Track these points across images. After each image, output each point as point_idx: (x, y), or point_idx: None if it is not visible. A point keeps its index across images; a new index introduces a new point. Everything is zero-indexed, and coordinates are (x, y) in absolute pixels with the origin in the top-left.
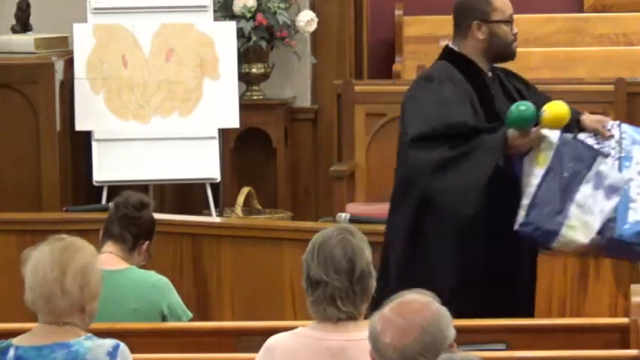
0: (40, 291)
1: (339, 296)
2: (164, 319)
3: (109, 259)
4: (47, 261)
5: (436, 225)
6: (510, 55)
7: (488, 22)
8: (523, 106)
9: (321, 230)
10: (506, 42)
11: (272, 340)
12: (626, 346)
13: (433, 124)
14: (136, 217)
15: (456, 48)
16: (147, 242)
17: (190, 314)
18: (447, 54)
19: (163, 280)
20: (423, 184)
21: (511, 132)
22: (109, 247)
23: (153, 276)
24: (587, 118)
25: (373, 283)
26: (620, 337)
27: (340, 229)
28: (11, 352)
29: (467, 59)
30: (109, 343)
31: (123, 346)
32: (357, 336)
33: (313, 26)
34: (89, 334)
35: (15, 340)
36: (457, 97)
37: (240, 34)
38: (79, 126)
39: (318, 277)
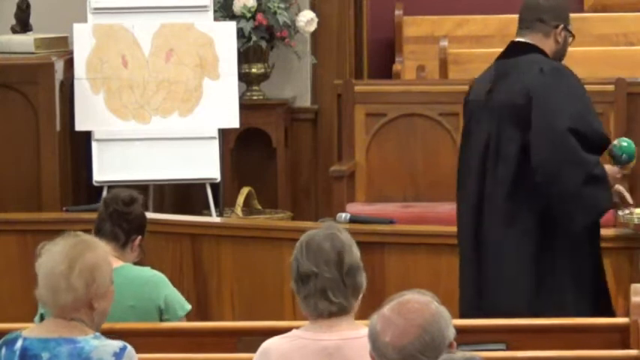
0: (48, 284)
1: (329, 287)
2: (161, 313)
3: None
4: (57, 255)
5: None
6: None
7: (568, 30)
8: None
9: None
10: (565, 52)
11: (267, 345)
12: (626, 346)
13: (585, 126)
14: (126, 212)
15: (537, 44)
16: (139, 237)
17: (189, 306)
18: (533, 51)
19: (158, 275)
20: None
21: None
22: None
23: (147, 272)
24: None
25: (363, 280)
26: (620, 337)
27: (327, 227)
28: (19, 343)
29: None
30: (117, 344)
31: (130, 348)
32: (352, 334)
33: (313, 26)
34: (97, 333)
35: (24, 332)
36: (589, 99)
37: (240, 34)
38: (79, 126)
39: (308, 271)
